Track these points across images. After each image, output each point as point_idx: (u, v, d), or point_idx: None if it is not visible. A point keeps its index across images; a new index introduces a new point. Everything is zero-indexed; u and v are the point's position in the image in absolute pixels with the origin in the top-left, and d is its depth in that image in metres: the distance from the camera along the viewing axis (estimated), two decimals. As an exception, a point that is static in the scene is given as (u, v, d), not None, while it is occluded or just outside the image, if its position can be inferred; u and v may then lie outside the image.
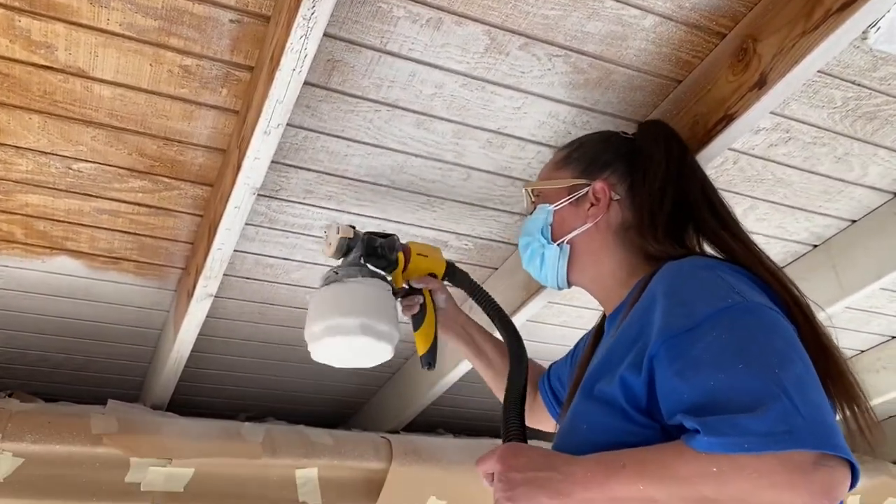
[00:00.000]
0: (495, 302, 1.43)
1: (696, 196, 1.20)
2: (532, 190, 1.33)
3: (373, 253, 1.44)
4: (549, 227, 1.25)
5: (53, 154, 1.55)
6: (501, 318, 1.39)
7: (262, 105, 1.23)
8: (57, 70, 1.36)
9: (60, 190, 1.64)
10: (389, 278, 1.47)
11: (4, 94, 1.40)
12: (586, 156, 1.29)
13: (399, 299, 1.48)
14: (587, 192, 1.24)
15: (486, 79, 1.44)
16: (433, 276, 1.52)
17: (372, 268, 1.44)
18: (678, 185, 1.21)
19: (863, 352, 2.64)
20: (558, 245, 1.24)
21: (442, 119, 1.52)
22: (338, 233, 1.41)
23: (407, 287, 1.50)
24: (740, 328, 0.88)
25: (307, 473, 2.05)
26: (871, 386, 2.57)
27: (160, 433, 1.91)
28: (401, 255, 1.48)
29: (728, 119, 1.35)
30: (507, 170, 1.68)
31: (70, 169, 1.59)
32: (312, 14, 1.07)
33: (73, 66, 1.35)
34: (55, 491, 1.87)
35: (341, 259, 1.44)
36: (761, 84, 1.28)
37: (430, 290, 1.51)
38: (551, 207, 1.26)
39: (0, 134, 1.48)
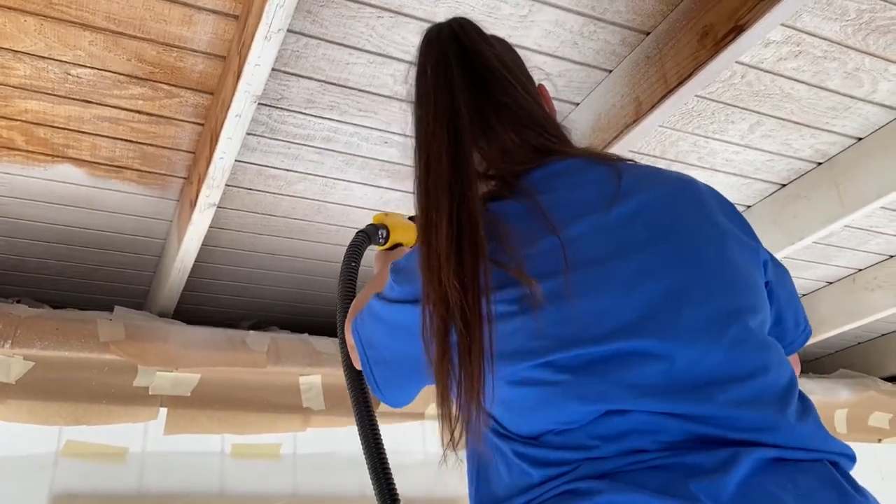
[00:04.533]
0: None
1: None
2: None
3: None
4: None
5: (51, 59, 1.52)
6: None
7: (263, 9, 1.20)
8: (51, -30, 1.32)
9: (60, 96, 1.62)
10: None
11: (-2, -5, 1.37)
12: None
13: None
14: None
15: (492, -15, 1.40)
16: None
17: None
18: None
19: (860, 270, 2.66)
20: None
21: (446, 27, 1.49)
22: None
23: None
24: None
25: (311, 380, 2.11)
26: (867, 304, 2.61)
27: (167, 341, 1.95)
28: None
29: (738, 30, 1.32)
30: (511, 81, 1.65)
31: (69, 74, 1.57)
32: (314, -89, 1.03)
33: (68, -34, 1.31)
34: (66, 393, 1.93)
35: None
36: (774, -7, 1.25)
37: None
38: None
39: (-4, 37, 1.46)
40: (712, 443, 0.74)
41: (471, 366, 0.76)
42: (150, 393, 1.96)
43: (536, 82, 1.08)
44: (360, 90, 1.66)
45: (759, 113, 1.81)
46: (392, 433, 2.14)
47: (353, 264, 1.24)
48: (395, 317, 0.90)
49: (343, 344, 1.10)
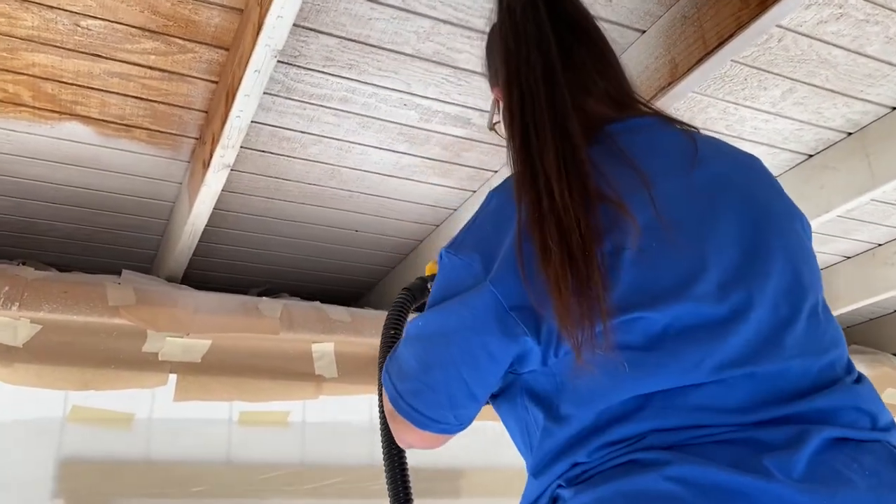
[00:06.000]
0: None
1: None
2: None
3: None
4: None
5: (60, 9, 1.45)
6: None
7: (288, -44, 1.14)
8: (61, -88, 1.25)
9: (68, 49, 1.55)
10: None
11: (5, -62, 1.29)
12: (488, 63, 1.11)
13: None
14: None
15: (526, -64, 1.33)
16: None
17: None
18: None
19: (880, 245, 2.61)
20: None
21: (475, -19, 1.42)
22: None
23: None
24: None
25: (323, 347, 2.07)
26: (886, 279, 2.56)
27: (177, 306, 1.91)
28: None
29: (785, -12, 1.26)
30: (539, 41, 1.59)
31: (78, 26, 1.50)
32: None
33: None
34: (73, 357, 1.89)
35: None
36: (828, -52, 1.18)
37: None
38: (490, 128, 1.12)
39: (2, -16, 1.39)
40: (781, 419, 0.73)
41: (590, 273, 0.73)
42: (159, 359, 1.92)
43: None
44: (381, 48, 1.59)
45: (792, 79, 1.75)
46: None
47: (393, 332, 1.17)
48: (454, 313, 0.83)
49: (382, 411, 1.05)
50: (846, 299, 2.75)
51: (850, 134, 1.97)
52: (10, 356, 1.81)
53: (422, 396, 0.87)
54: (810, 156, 2.07)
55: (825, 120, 1.91)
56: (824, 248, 2.63)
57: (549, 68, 0.88)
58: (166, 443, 2.23)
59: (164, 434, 2.21)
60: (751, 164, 0.95)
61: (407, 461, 1.08)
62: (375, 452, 2.44)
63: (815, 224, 2.12)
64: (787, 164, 2.11)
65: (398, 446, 1.07)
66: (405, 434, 0.92)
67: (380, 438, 1.08)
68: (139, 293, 1.91)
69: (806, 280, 0.85)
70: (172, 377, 1.96)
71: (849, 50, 1.65)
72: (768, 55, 1.66)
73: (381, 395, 1.05)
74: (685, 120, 1.81)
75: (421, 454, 1.12)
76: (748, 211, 0.84)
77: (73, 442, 2.12)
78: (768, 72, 1.71)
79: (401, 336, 1.16)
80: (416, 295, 1.21)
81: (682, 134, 0.92)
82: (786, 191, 2.13)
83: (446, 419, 0.87)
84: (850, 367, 0.83)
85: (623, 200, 0.78)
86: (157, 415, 2.21)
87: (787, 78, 1.74)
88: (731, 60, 1.66)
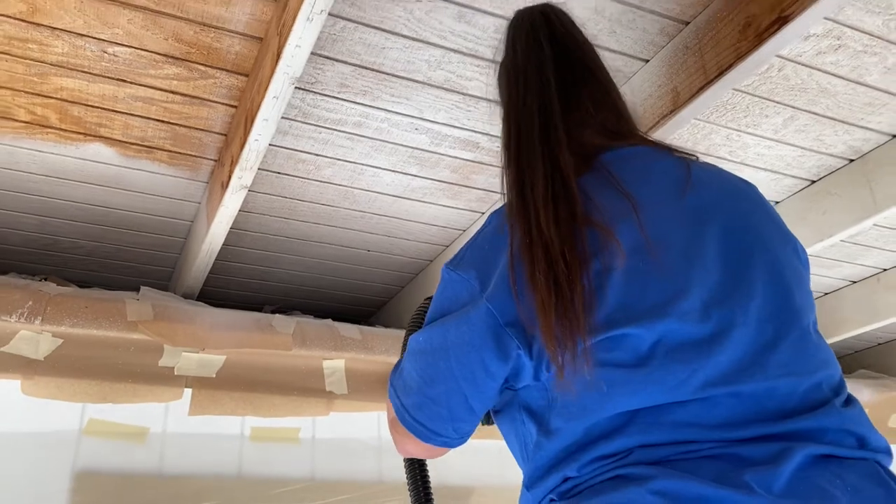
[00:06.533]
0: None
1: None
2: None
3: None
4: None
5: (89, 36, 1.53)
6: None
7: (306, -11, 1.20)
8: (94, -53, 1.32)
9: (95, 74, 1.63)
10: None
11: (41, -29, 1.37)
12: (498, 93, 1.14)
13: None
14: None
15: (533, -29, 1.39)
16: None
17: None
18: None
19: (885, 270, 2.64)
20: None
21: (485, 12, 1.48)
22: None
23: None
24: None
25: (334, 364, 2.11)
26: (890, 303, 2.59)
27: (194, 322, 1.96)
28: None
29: (782, 21, 1.31)
30: (546, 69, 1.64)
31: (105, 53, 1.57)
32: None
33: (111, -57, 1.31)
34: (92, 371, 1.94)
35: None
36: (821, -16, 1.23)
37: None
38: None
39: (36, 14, 1.46)
40: (765, 437, 0.75)
41: (573, 301, 0.77)
42: (175, 373, 1.97)
43: None
44: (393, 75, 1.66)
45: (793, 107, 1.79)
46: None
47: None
48: (455, 326, 0.88)
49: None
50: (852, 324, 2.76)
51: (851, 161, 2.02)
52: (32, 369, 1.87)
53: (425, 410, 0.91)
54: (813, 181, 2.12)
55: (826, 147, 1.95)
56: (830, 273, 2.66)
57: (547, 108, 0.94)
58: (179, 457, 2.27)
59: (177, 448, 2.26)
60: (745, 191, 0.97)
61: (427, 466, 1.13)
62: (384, 469, 2.47)
63: (818, 248, 2.16)
64: (790, 189, 2.15)
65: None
66: (406, 444, 0.97)
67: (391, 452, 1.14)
68: (157, 309, 1.96)
69: (798, 302, 0.86)
70: (187, 392, 2.01)
71: (848, 79, 1.70)
72: (769, 84, 1.71)
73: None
74: (690, 145, 1.86)
75: (432, 473, 1.16)
76: (737, 236, 0.87)
77: (88, 454, 2.17)
78: (770, 100, 1.76)
79: None
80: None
81: (676, 161, 0.95)
82: (789, 216, 2.17)
83: (447, 432, 0.92)
84: (839, 389, 0.84)
85: (610, 225, 0.82)
86: (171, 429, 2.25)
87: (789, 106, 1.79)
88: (733, 89, 1.71)
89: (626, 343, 0.78)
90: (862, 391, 2.96)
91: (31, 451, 2.09)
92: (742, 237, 0.88)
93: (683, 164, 0.94)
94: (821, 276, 2.67)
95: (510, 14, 1.46)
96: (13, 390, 1.92)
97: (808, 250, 2.11)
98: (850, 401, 0.84)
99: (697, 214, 0.87)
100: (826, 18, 1.51)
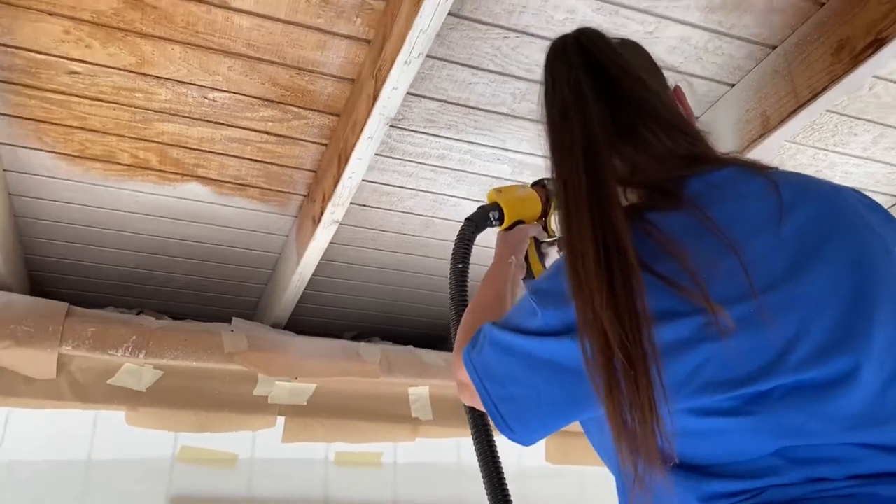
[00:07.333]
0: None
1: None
2: None
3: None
4: None
5: (191, 84, 1.61)
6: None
7: (406, 34, 1.25)
8: (200, 1, 1.40)
9: (195, 119, 1.71)
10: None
11: (151, 27, 1.45)
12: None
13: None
14: None
15: (621, 3, 1.41)
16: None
17: None
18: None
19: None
20: None
21: (571, 46, 1.51)
22: None
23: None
24: None
25: (419, 391, 2.15)
26: None
27: (286, 352, 2.02)
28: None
29: (879, 43, 1.30)
30: (630, 97, 1.66)
31: (206, 98, 1.65)
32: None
33: (217, -2, 1.39)
34: (190, 401, 2.02)
35: None
36: (920, 6, 1.22)
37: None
38: None
39: (144, 65, 1.55)
40: None
41: (640, 399, 0.71)
42: (269, 402, 2.03)
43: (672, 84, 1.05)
44: (478, 109, 1.69)
45: (883, 125, 1.76)
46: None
47: (461, 266, 1.17)
48: (539, 351, 0.83)
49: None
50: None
51: (944, 176, 1.97)
52: (136, 400, 1.96)
53: (507, 405, 0.87)
54: (903, 197, 2.07)
55: (918, 163, 1.91)
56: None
57: (592, 151, 0.83)
58: (267, 482, 2.34)
59: (265, 474, 2.32)
60: (838, 201, 0.85)
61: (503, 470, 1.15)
62: (462, 493, 2.49)
63: (910, 265, 2.10)
64: (879, 206, 2.10)
65: (494, 456, 1.15)
66: (469, 400, 0.99)
67: (476, 458, 1.15)
68: (251, 340, 2.03)
69: None
70: (280, 419, 2.07)
71: (941, 95, 1.66)
72: (859, 103, 1.69)
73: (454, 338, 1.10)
74: (773, 165, 1.82)
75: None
76: (844, 255, 0.79)
77: (181, 480, 2.25)
78: (859, 118, 1.74)
79: (468, 270, 1.20)
80: (480, 224, 1.22)
81: (765, 181, 0.84)
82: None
83: (520, 432, 0.88)
84: None
85: (705, 287, 0.74)
86: (259, 455, 2.32)
87: (879, 124, 1.76)
88: (821, 109, 1.69)
89: (752, 395, 0.74)
90: None
91: (129, 478, 2.18)
92: (852, 257, 0.79)
93: (771, 183, 0.84)
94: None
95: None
96: (118, 421, 2.02)
97: (901, 268, 2.06)
98: None
99: (798, 242, 0.79)
100: (920, 36, 1.48)
